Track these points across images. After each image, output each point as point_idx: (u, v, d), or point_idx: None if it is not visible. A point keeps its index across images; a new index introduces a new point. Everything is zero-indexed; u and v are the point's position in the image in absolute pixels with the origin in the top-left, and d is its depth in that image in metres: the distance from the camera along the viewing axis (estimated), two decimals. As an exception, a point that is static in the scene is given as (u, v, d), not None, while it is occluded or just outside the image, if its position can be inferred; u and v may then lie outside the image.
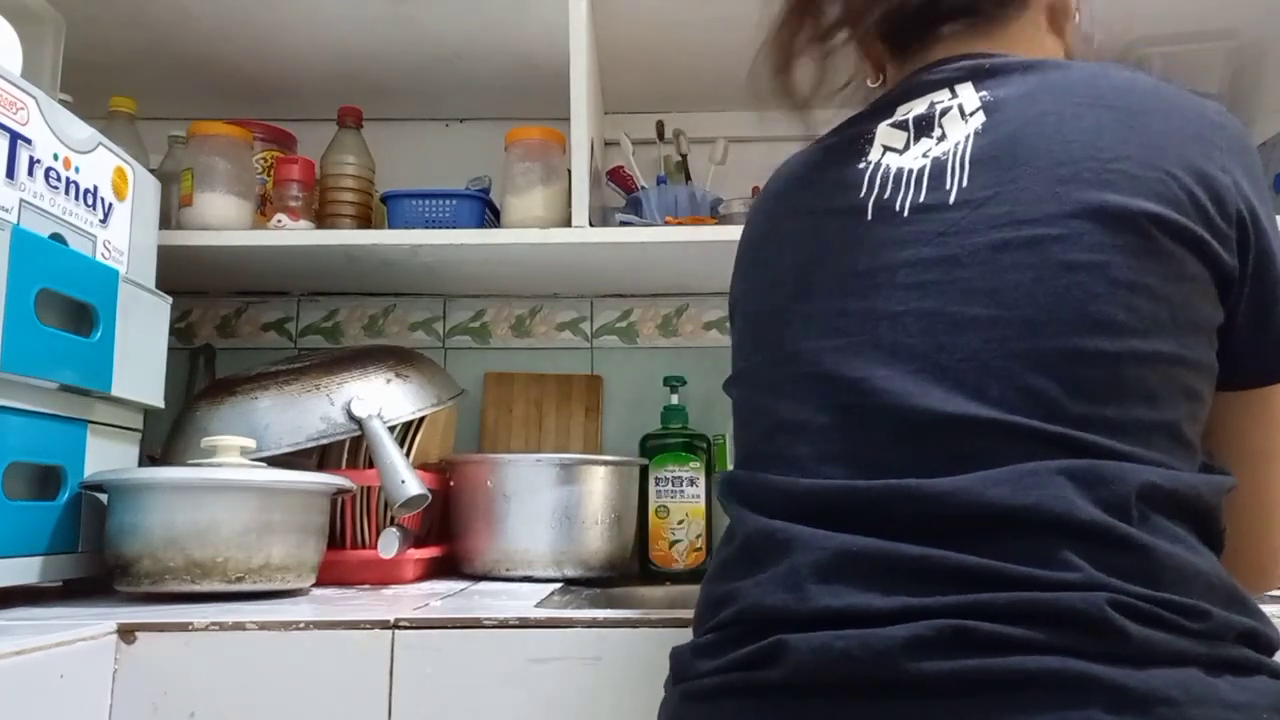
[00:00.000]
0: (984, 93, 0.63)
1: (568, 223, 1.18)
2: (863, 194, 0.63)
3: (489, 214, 1.27)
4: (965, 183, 0.60)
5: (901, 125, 0.65)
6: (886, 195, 0.62)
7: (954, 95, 0.65)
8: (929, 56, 0.69)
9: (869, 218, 0.62)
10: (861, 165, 0.65)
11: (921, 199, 0.61)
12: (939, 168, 0.61)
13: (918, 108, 0.65)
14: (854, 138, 0.68)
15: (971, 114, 0.62)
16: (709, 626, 0.58)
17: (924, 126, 0.64)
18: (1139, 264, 0.54)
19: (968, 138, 0.61)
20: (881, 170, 0.64)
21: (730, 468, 0.83)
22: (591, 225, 1.17)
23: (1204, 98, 0.62)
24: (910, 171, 0.62)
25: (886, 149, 0.65)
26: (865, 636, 0.49)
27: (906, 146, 0.64)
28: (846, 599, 0.51)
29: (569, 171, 1.20)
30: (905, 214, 0.61)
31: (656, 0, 1.23)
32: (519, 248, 1.21)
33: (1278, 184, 1.26)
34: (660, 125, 1.42)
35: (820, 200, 0.66)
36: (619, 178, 1.43)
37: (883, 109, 0.68)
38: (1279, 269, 0.58)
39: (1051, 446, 0.52)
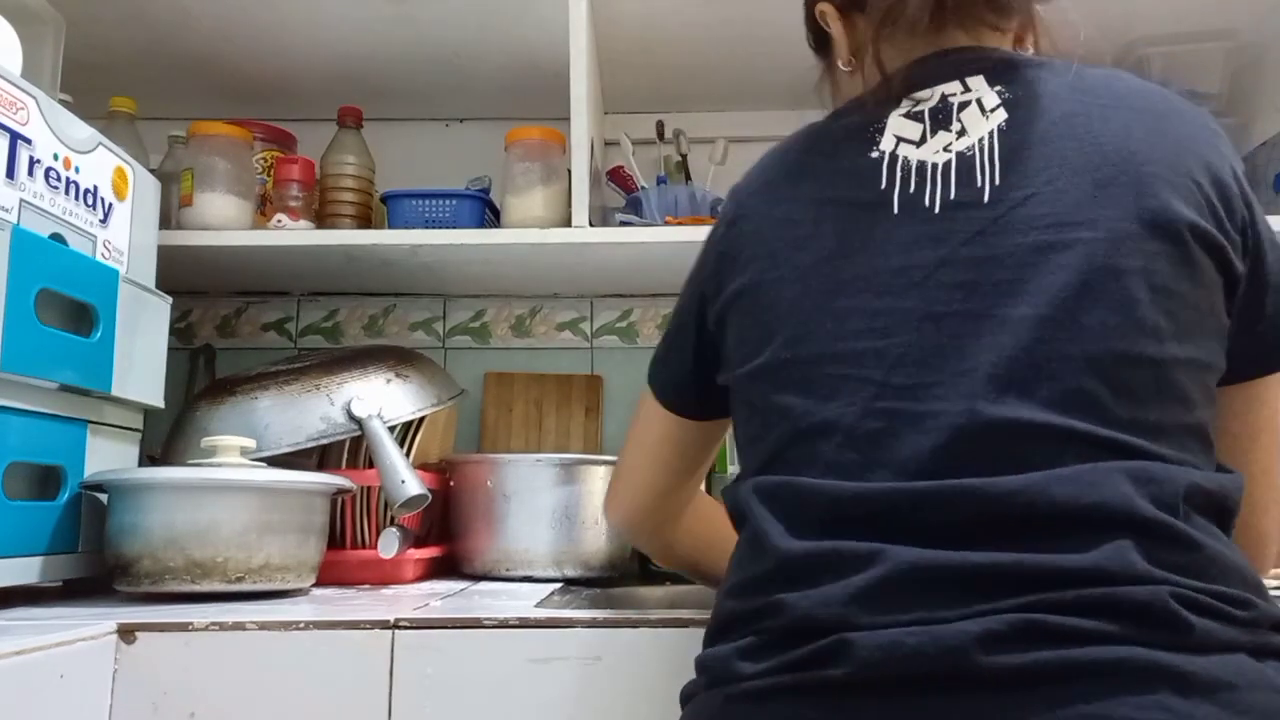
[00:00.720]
0: (999, 88, 0.63)
1: (568, 223, 1.18)
2: (884, 186, 0.62)
3: (489, 214, 1.27)
4: (998, 180, 0.59)
5: (916, 116, 0.64)
6: (912, 189, 0.61)
7: (967, 89, 0.64)
8: (919, 47, 0.67)
9: (895, 212, 0.61)
10: (874, 155, 0.63)
11: (953, 195, 0.60)
12: (967, 164, 0.60)
13: (929, 99, 0.64)
14: (860, 126, 0.66)
15: (992, 110, 0.62)
16: (752, 630, 0.56)
17: (940, 119, 0.63)
18: (1174, 271, 0.56)
19: (992, 134, 0.61)
20: (900, 162, 0.62)
21: (731, 467, 0.79)
22: (591, 225, 1.17)
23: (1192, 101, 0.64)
24: (935, 166, 0.61)
25: (900, 140, 0.63)
26: (936, 632, 0.48)
27: (923, 139, 0.63)
28: (914, 613, 0.50)
29: (569, 171, 1.20)
30: (936, 210, 0.60)
31: (656, 0, 1.23)
32: (519, 248, 1.21)
33: (1278, 184, 1.26)
34: (660, 125, 1.42)
35: (834, 190, 0.64)
36: (619, 178, 1.43)
37: (887, 98, 0.66)
38: (1270, 270, 0.61)
39: (1102, 449, 0.53)
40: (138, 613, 0.78)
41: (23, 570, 0.84)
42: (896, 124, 0.64)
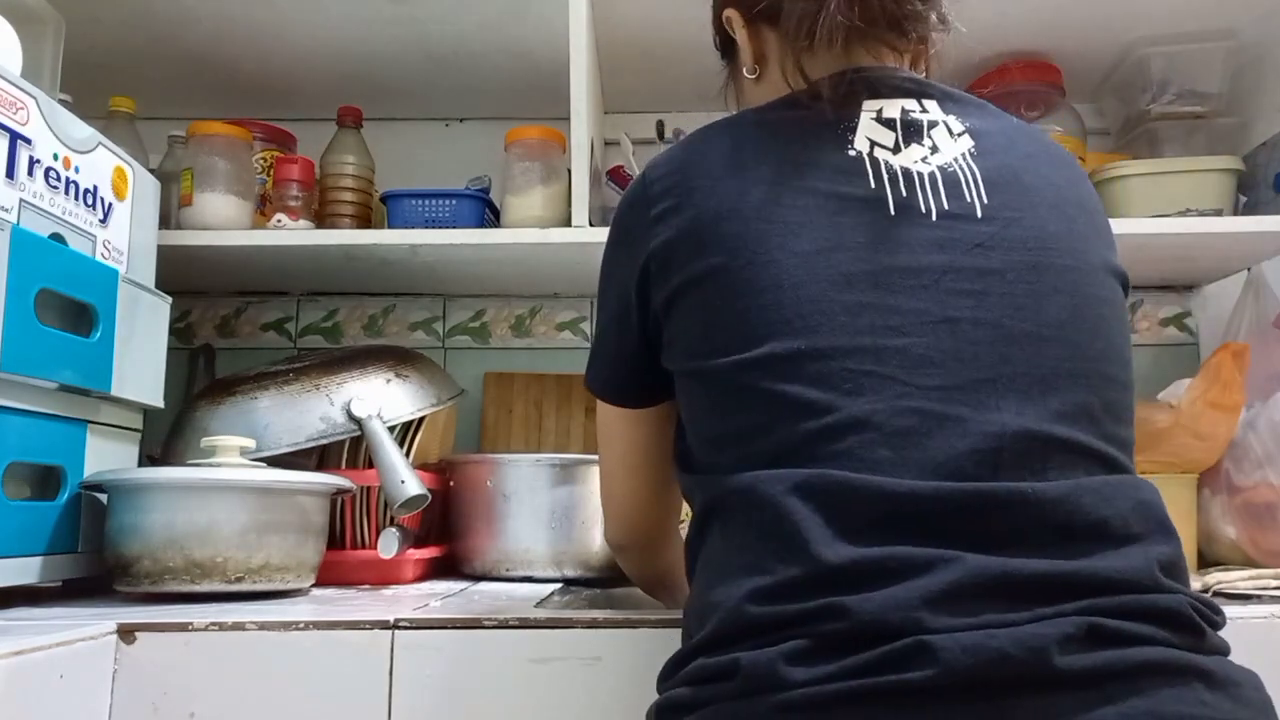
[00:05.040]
0: (954, 116, 0.67)
1: (568, 222, 1.18)
2: (873, 185, 0.62)
3: (489, 214, 1.27)
4: (986, 199, 0.62)
5: (887, 123, 0.65)
6: (904, 194, 0.62)
7: (924, 109, 0.66)
8: (833, 62, 0.69)
9: (892, 212, 0.62)
10: (852, 154, 0.64)
11: (946, 206, 0.62)
12: (951, 179, 0.63)
13: (889, 109, 0.66)
14: (827, 122, 0.66)
15: (959, 135, 0.66)
16: (801, 633, 0.52)
17: (912, 132, 0.65)
18: (1121, 311, 0.65)
19: (966, 155, 0.64)
20: (884, 165, 0.63)
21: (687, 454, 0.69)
22: (591, 225, 1.17)
23: None
24: (921, 175, 0.63)
25: (875, 144, 0.64)
26: (1016, 634, 0.49)
27: (898, 147, 0.64)
28: (982, 616, 0.51)
29: (569, 171, 1.20)
30: (933, 218, 0.61)
31: (656, 0, 1.23)
32: (519, 247, 1.21)
33: (1278, 184, 1.26)
34: (660, 125, 1.42)
35: (820, 181, 0.63)
36: (619, 178, 1.43)
37: (846, 99, 0.66)
38: None
39: (1099, 462, 0.58)
40: (137, 613, 0.78)
41: (22, 570, 0.84)
42: (868, 127, 0.65)
